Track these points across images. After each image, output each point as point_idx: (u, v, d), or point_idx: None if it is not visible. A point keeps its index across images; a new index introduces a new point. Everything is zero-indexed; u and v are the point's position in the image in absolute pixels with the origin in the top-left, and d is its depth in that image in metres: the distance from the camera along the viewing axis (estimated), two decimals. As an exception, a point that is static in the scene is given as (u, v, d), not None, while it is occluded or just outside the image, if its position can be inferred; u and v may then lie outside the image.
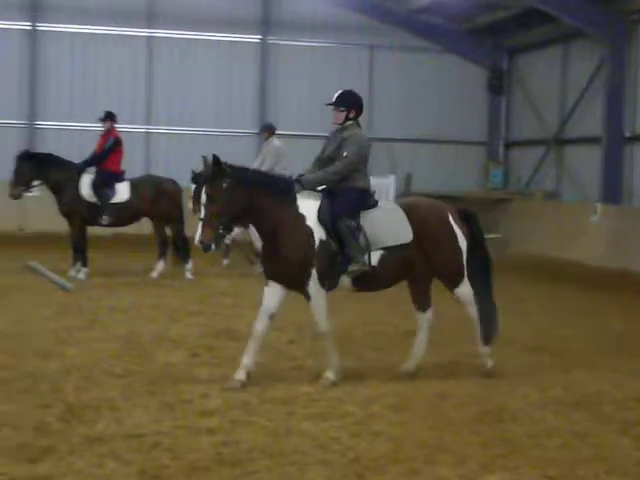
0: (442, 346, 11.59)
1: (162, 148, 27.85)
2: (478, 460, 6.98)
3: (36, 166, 17.73)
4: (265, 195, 9.26)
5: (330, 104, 9.87)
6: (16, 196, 17.99)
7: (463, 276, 9.93)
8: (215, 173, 9.06)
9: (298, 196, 9.43)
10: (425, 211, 9.92)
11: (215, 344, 11.10)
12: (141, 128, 27.59)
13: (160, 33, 28.84)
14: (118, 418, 7.84)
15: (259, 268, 17.28)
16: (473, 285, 10.06)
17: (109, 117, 18.18)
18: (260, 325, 9.30)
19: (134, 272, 17.60)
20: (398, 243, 9.54)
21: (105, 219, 17.36)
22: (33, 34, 28.23)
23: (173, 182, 18.46)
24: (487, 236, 26.67)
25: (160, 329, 12.11)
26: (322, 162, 9.80)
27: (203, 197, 9.12)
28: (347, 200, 9.50)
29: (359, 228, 9.40)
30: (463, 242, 9.92)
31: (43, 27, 28.30)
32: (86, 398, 8.46)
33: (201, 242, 9.05)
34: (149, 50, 28.86)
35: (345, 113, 9.75)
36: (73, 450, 6.93)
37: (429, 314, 10.14)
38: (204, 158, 9.28)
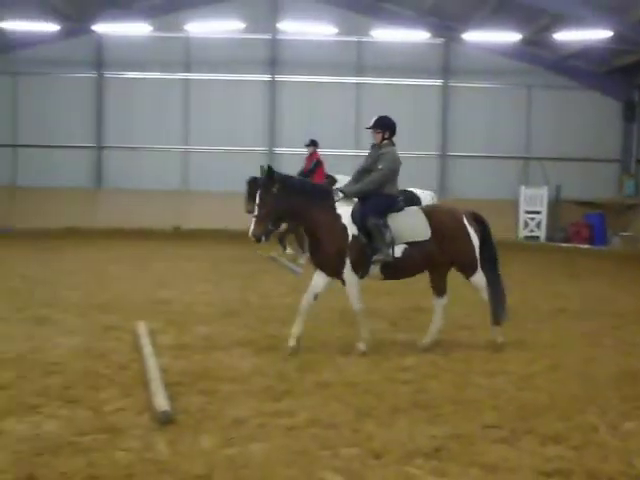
0: (588, 319, 11.27)
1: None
2: (619, 410, 6.75)
3: None
4: (306, 199, 8.87)
5: (369, 127, 9.41)
6: (250, 211, 18.38)
7: (477, 267, 9.22)
8: (268, 180, 8.80)
9: (338, 203, 8.98)
10: (443, 215, 9.27)
11: (408, 316, 11.09)
12: (350, 151, 27.88)
13: (366, 80, 29.11)
14: (339, 370, 7.97)
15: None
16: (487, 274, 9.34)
17: (312, 143, 18.19)
18: (306, 301, 9.01)
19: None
20: (418, 239, 8.97)
21: None
22: (272, 84, 29.06)
23: None
24: (622, 234, 26.10)
25: (366, 304, 12.17)
26: (361, 173, 9.34)
27: (257, 199, 8.80)
28: (375, 203, 8.97)
29: (385, 226, 8.88)
30: (475, 239, 9.18)
31: (279, 78, 29.10)
32: (314, 354, 8.63)
33: (254, 235, 8.80)
34: (357, 94, 29.18)
35: (381, 134, 9.32)
36: (306, 393, 7.09)
37: (444, 300, 9.44)
38: (262, 167, 8.99)
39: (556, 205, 28.36)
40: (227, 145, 29.04)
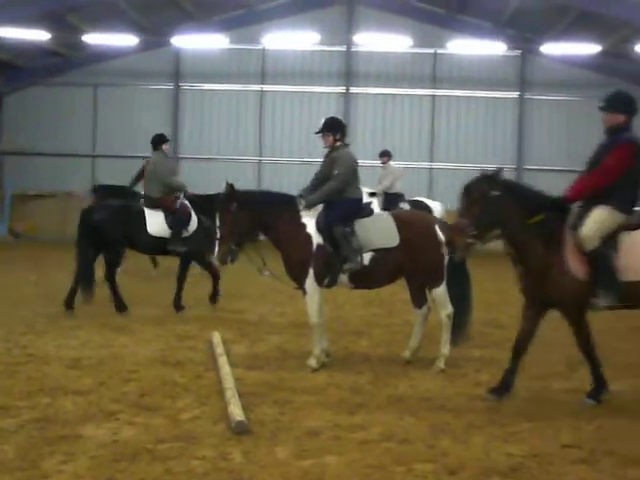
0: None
1: (442, 179, 27.99)
2: None
3: None
4: (268, 212, 8.59)
5: (318, 132, 9.10)
6: None
7: (443, 278, 8.67)
8: (225, 198, 8.57)
9: (303, 212, 8.65)
10: (413, 220, 8.88)
11: (484, 331, 10.92)
12: (424, 164, 27.80)
13: (441, 93, 28.99)
14: (413, 384, 7.92)
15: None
16: (453, 290, 8.78)
17: None
18: None
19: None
20: (386, 246, 8.53)
21: None
22: (347, 96, 29.18)
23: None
24: None
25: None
26: (319, 180, 8.94)
27: (217, 220, 8.64)
28: (340, 209, 8.60)
29: (353, 233, 8.51)
30: (445, 249, 8.60)
31: (354, 90, 29.22)
32: (389, 367, 8.60)
33: (218, 258, 8.67)
34: (432, 105, 29.09)
35: (332, 137, 8.96)
36: (380, 406, 7.06)
37: (424, 310, 9.03)
38: (227, 183, 8.64)
39: (636, 220, 27.79)
40: (301, 156, 29.20)
